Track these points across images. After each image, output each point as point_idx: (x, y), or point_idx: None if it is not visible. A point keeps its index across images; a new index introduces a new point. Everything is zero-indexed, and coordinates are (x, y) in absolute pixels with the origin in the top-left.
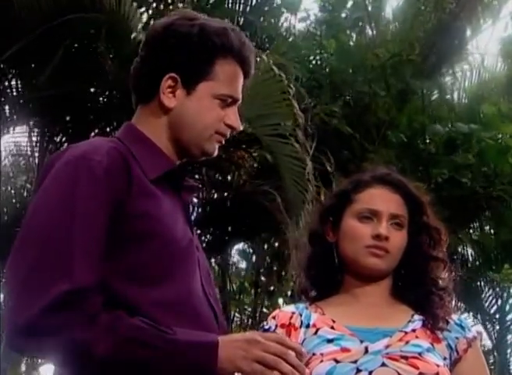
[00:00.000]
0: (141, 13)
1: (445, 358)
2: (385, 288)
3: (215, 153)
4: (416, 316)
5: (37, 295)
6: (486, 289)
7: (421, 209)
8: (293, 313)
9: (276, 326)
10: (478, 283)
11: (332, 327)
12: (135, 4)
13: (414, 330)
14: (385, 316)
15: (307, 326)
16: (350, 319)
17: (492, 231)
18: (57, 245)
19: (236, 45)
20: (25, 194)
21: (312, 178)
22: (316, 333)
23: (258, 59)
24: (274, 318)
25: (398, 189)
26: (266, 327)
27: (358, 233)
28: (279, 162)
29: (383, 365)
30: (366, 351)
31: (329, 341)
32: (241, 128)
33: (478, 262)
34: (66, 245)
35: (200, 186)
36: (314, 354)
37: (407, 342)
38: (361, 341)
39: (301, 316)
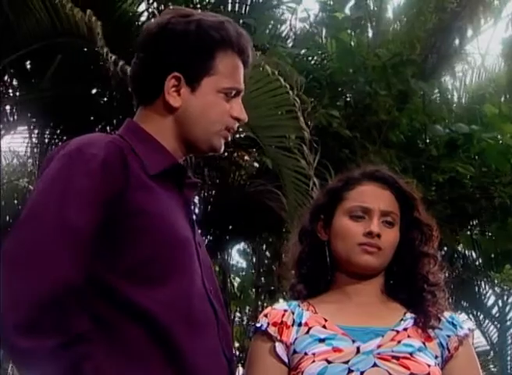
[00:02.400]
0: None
1: (436, 357)
2: (377, 286)
3: (222, 149)
4: (408, 314)
5: (24, 293)
6: (487, 289)
7: (412, 205)
8: (286, 311)
9: (268, 324)
10: (479, 283)
11: (324, 326)
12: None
13: (405, 329)
14: (377, 315)
15: (300, 324)
16: (342, 318)
17: (492, 235)
18: (46, 239)
19: (234, 37)
20: (26, 194)
21: (315, 195)
22: (308, 332)
23: (261, 69)
24: (266, 316)
25: (388, 185)
26: (258, 325)
27: (350, 231)
28: (284, 175)
29: (375, 365)
30: (358, 351)
31: (321, 340)
32: (247, 119)
33: (478, 262)
34: (55, 240)
35: (201, 184)
36: (306, 353)
37: (399, 342)
38: (353, 341)
39: (293, 314)
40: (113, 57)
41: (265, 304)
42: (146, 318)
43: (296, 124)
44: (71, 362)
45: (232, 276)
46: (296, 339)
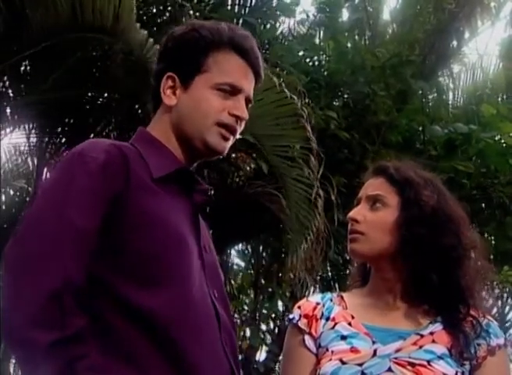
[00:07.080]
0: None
1: (462, 365)
2: (401, 285)
3: (224, 149)
4: (439, 318)
5: (26, 297)
6: (486, 289)
7: (408, 185)
8: (318, 304)
9: (300, 316)
10: None
11: (350, 324)
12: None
13: (432, 333)
14: (405, 317)
15: (327, 318)
16: (369, 316)
17: (491, 237)
18: (48, 238)
19: (226, 35)
20: (24, 195)
21: (320, 205)
22: (334, 327)
23: (269, 78)
24: (299, 308)
25: (380, 173)
26: (291, 317)
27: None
28: (287, 186)
29: (389, 370)
30: (374, 353)
31: (343, 337)
32: (247, 117)
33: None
34: (57, 238)
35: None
36: (327, 350)
37: (421, 347)
38: (373, 342)
39: (324, 307)
40: (151, 40)
41: (264, 304)
42: (144, 318)
43: (302, 134)
44: (65, 360)
45: (231, 276)
46: (322, 333)
